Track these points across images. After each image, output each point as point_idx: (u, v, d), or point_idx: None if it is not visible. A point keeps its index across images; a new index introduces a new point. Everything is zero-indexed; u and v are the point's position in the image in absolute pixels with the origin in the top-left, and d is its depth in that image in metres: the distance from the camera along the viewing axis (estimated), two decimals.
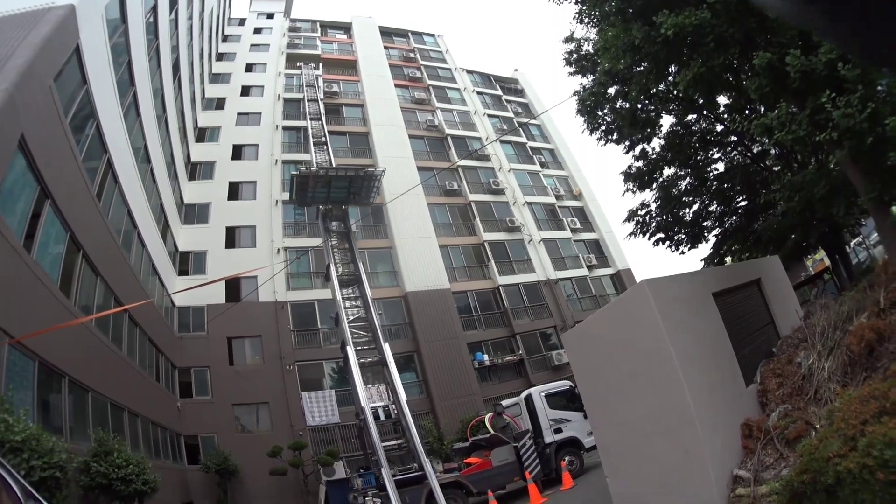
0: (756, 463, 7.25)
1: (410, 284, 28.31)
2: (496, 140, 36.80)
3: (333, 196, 20.40)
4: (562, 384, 17.38)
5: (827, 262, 22.25)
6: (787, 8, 0.70)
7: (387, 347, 16.88)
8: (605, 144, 18.06)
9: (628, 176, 19.35)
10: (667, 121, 17.93)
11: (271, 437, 22.31)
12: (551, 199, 37.20)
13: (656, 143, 18.53)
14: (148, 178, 20.87)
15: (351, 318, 17.88)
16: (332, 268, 18.43)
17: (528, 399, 16.39)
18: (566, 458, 15.20)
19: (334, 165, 21.98)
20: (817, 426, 7.10)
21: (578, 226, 36.81)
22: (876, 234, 28.05)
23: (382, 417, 16.16)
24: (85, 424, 12.54)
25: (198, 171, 30.05)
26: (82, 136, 14.26)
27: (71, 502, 8.85)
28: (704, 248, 21.63)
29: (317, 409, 22.26)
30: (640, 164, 19.01)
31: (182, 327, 24.86)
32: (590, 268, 34.93)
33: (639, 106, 15.80)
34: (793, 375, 8.53)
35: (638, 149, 18.56)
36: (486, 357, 28.19)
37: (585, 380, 9.63)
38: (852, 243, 25.19)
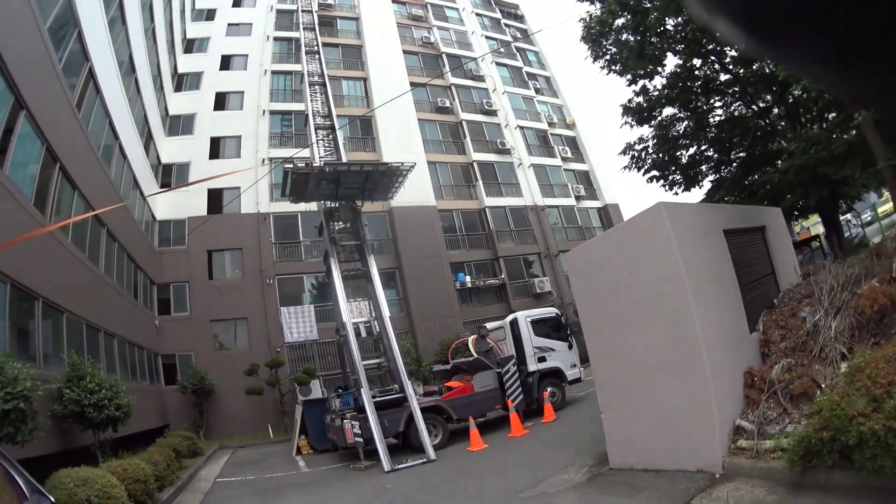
0: (760, 415, 7.11)
1: (396, 199, 27.58)
2: (490, 53, 35.97)
3: (342, 193, 16.79)
4: (549, 311, 17.05)
5: (812, 231, 22.20)
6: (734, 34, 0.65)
7: (371, 260, 16.17)
8: (608, 74, 17.55)
9: (627, 109, 18.75)
10: (671, 62, 17.38)
11: (249, 355, 22.25)
12: (544, 126, 36.63)
13: (658, 81, 17.96)
14: (132, 89, 20.14)
15: (336, 228, 17.07)
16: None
17: (514, 323, 15.72)
18: (548, 390, 14.76)
19: (343, 160, 18.00)
20: (823, 385, 6.93)
21: (569, 155, 36.42)
22: (869, 213, 28.54)
23: (364, 334, 15.74)
24: (60, 349, 12.07)
25: (184, 82, 29.46)
26: (62, 44, 13.56)
27: (38, 435, 8.27)
28: (698, 193, 21.32)
29: (295, 325, 22.12)
30: (640, 99, 18.42)
31: (162, 242, 24.58)
32: (578, 198, 34.84)
33: (648, 39, 15.21)
34: (796, 330, 8.25)
35: (640, 84, 17.93)
36: (468, 279, 28.28)
37: (586, 305, 8.95)
38: (846, 217, 25.27)
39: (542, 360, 15.28)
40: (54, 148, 12.54)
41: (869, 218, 29.92)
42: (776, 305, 9.39)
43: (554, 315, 16.48)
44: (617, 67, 17.01)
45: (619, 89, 57.80)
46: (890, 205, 30.57)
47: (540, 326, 15.79)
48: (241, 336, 24.12)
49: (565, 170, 35.50)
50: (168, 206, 24.64)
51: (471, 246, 29.69)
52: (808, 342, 8.01)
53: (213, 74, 29.73)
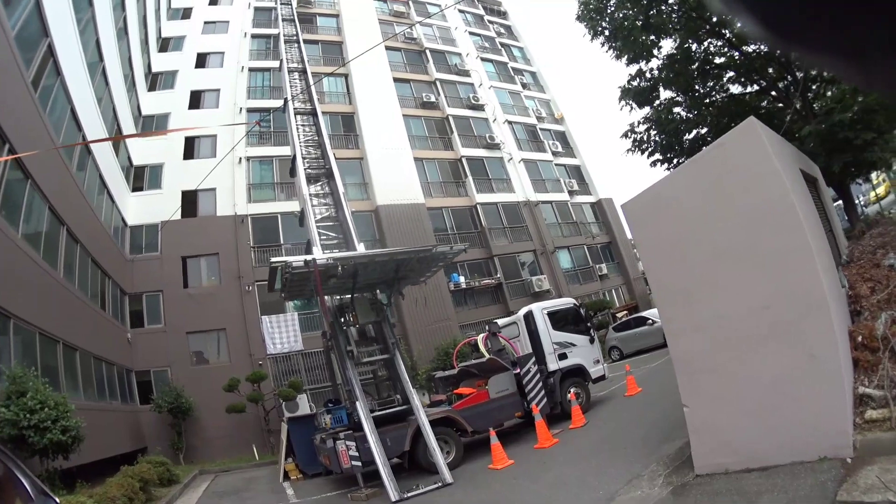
0: (885, 378, 5.58)
1: (382, 197, 26.49)
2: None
3: (361, 285, 12.89)
4: (566, 301, 15.32)
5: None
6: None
7: (361, 247, 13.30)
8: (607, 50, 16.49)
9: (626, 91, 17.56)
10: (667, 46, 16.58)
11: (229, 369, 20.42)
12: (532, 121, 35.86)
13: (655, 63, 16.94)
14: (100, 81, 18.75)
15: (319, 216, 14.61)
16: (300, 160, 15.20)
17: (529, 317, 13.78)
18: (573, 390, 12.97)
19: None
20: None
21: (560, 150, 35.68)
22: (863, 198, 28.15)
23: (356, 338, 13.75)
24: (5, 360, 10.23)
25: (158, 81, 28.05)
26: (16, 11, 12.29)
27: None
28: None
29: (278, 336, 20.31)
30: (637, 81, 17.32)
31: (135, 249, 22.74)
32: (570, 193, 33.94)
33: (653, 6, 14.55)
34: (886, 280, 6.98)
35: (635, 68, 16.85)
36: (462, 279, 26.81)
37: (656, 265, 7.16)
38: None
39: (562, 357, 13.41)
40: (3, 127, 10.95)
41: (864, 201, 29.53)
42: (846, 261, 8.21)
43: (572, 306, 14.77)
44: (617, 44, 15.95)
45: (609, 82, 57.46)
46: (881, 188, 30.24)
47: (558, 319, 13.94)
48: (220, 349, 22.32)
49: (556, 165, 34.67)
50: (140, 209, 22.89)
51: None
52: None
53: (188, 72, 28.31)
